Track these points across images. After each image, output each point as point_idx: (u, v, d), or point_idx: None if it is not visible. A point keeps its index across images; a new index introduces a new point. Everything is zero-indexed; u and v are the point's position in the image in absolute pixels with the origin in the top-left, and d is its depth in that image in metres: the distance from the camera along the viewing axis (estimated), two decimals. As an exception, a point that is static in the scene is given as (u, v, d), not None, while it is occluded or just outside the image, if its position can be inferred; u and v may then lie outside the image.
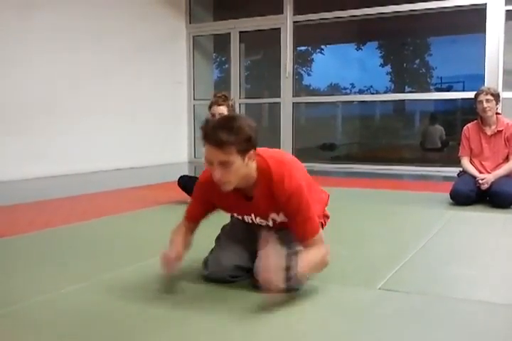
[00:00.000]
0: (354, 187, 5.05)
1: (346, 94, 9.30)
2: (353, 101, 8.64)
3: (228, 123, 1.76)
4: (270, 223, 1.99)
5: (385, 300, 1.88)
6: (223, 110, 3.69)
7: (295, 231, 1.89)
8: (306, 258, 1.82)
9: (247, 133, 1.75)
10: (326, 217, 2.22)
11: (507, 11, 6.00)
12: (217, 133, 1.71)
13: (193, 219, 2.07)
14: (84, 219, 3.44)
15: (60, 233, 3.07)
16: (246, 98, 8.16)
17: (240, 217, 2.07)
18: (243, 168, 1.78)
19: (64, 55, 5.91)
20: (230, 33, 7.79)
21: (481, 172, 4.05)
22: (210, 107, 3.76)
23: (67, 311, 1.77)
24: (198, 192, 2.05)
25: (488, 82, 5.86)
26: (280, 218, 1.96)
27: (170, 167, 7.19)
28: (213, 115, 3.72)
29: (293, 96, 7.42)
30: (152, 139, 7.19)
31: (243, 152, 1.76)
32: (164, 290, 1.97)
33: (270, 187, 1.85)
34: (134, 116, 6.93)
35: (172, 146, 7.72)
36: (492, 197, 3.89)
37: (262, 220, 2.00)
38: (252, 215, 2.00)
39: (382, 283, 2.04)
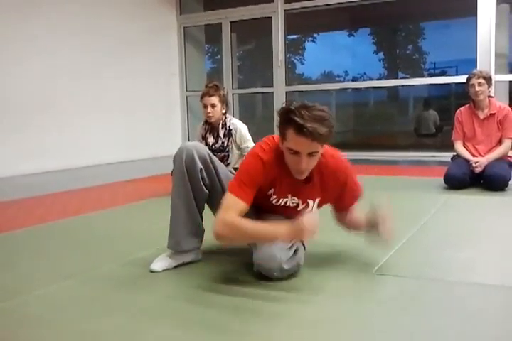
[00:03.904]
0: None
1: (340, 81, 9.27)
2: (347, 89, 8.61)
3: (322, 115, 1.77)
4: (299, 207, 2.01)
5: (380, 284, 1.89)
6: (215, 101, 3.67)
7: (346, 203, 2.10)
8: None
9: (332, 124, 1.81)
10: None
11: (498, -7, 5.97)
12: (317, 127, 1.73)
13: (248, 202, 1.86)
14: (80, 213, 3.45)
15: (56, 227, 3.07)
16: (239, 88, 8.13)
17: (275, 199, 1.98)
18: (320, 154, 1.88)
19: (59, 53, 5.89)
20: (221, 23, 7.74)
21: (474, 155, 4.06)
22: (201, 98, 3.73)
23: (65, 304, 1.77)
24: (256, 173, 1.88)
25: (481, 66, 5.84)
26: (312, 204, 2.02)
27: (164, 159, 7.15)
28: (205, 106, 3.70)
29: (286, 85, 7.39)
30: (146, 132, 7.17)
31: (327, 141, 1.85)
32: (160, 282, 1.98)
33: (321, 169, 1.94)
34: (127, 109, 6.90)
35: (166, 138, 7.68)
36: (486, 180, 3.91)
37: (294, 202, 2.00)
38: (292, 197, 1.98)
39: (377, 267, 2.05)
